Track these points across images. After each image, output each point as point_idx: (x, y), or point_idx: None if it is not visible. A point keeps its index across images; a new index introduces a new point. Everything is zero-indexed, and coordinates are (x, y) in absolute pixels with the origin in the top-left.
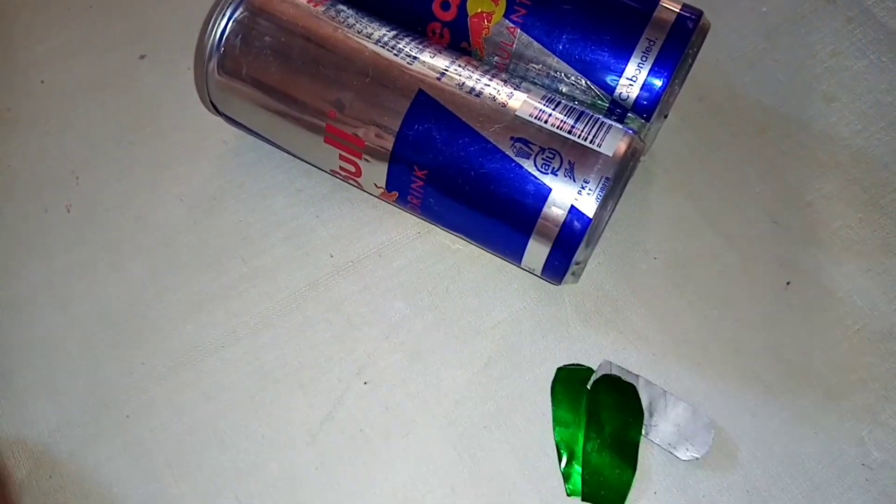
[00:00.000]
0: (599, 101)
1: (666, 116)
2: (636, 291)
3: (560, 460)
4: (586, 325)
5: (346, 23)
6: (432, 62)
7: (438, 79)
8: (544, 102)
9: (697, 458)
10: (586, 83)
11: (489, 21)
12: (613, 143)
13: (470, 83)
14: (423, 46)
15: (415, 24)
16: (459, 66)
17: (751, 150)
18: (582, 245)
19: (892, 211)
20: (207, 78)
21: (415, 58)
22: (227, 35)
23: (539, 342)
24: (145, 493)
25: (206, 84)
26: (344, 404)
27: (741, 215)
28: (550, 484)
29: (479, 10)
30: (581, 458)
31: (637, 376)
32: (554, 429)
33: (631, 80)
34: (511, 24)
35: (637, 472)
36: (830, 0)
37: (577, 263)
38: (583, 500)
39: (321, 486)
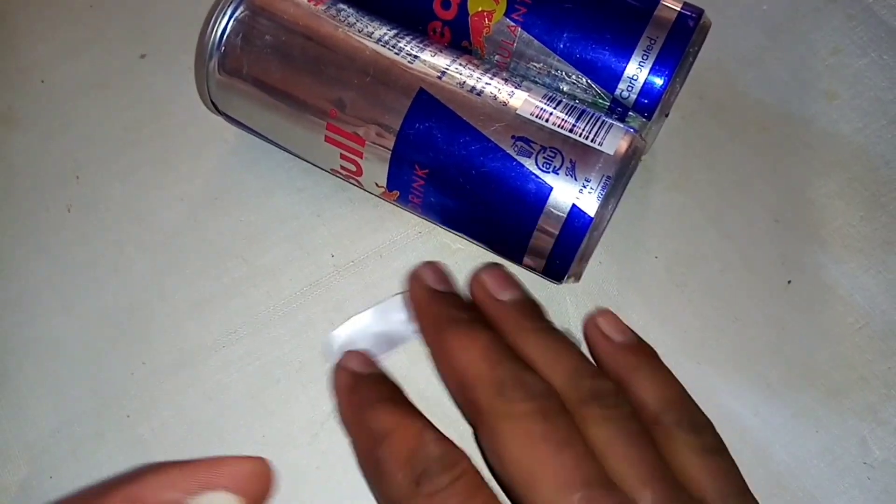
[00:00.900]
0: (600, 100)
1: (667, 115)
2: (637, 290)
3: None
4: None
5: (346, 22)
6: (433, 61)
7: (439, 77)
8: (545, 101)
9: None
10: (587, 82)
11: (490, 20)
12: (615, 141)
13: (471, 82)
14: (424, 45)
15: (415, 23)
16: (460, 64)
17: (752, 148)
18: (583, 244)
19: (893, 209)
20: (208, 77)
21: (416, 57)
22: (228, 34)
23: None
24: None
25: (206, 83)
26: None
27: (742, 214)
28: None
29: (480, 9)
30: None
31: None
32: None
33: (632, 78)
34: (512, 23)
35: None
36: None
37: (579, 263)
38: None
39: (322, 486)
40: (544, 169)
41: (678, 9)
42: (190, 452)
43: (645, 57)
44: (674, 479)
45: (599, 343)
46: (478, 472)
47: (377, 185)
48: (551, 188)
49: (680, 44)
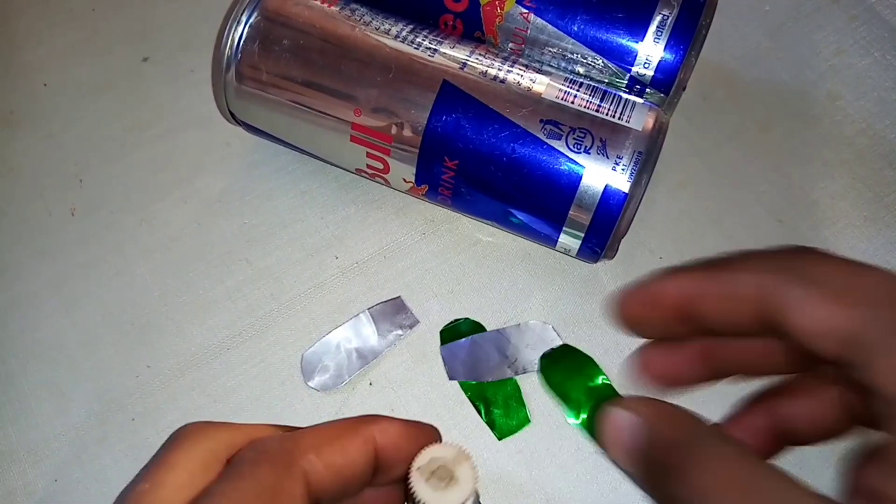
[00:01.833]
0: (617, 79)
1: (684, 89)
2: None
3: (480, 412)
4: (591, 325)
5: (362, 20)
6: (453, 53)
7: (461, 69)
8: (568, 84)
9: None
10: (603, 62)
11: (502, 8)
12: (641, 117)
13: (493, 71)
14: (442, 38)
15: (427, 18)
16: (480, 54)
17: (755, 148)
18: (619, 221)
19: None
20: (226, 87)
21: (435, 50)
22: (245, 41)
23: None
24: None
25: (224, 93)
26: (349, 405)
27: (746, 214)
28: (557, 485)
29: None
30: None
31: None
32: (462, 387)
33: (647, 56)
34: (524, 10)
35: None
36: None
37: (615, 241)
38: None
39: None
40: (575, 150)
41: None
42: None
43: (659, 33)
44: None
45: None
46: None
47: (405, 180)
48: (584, 168)
49: (693, 18)
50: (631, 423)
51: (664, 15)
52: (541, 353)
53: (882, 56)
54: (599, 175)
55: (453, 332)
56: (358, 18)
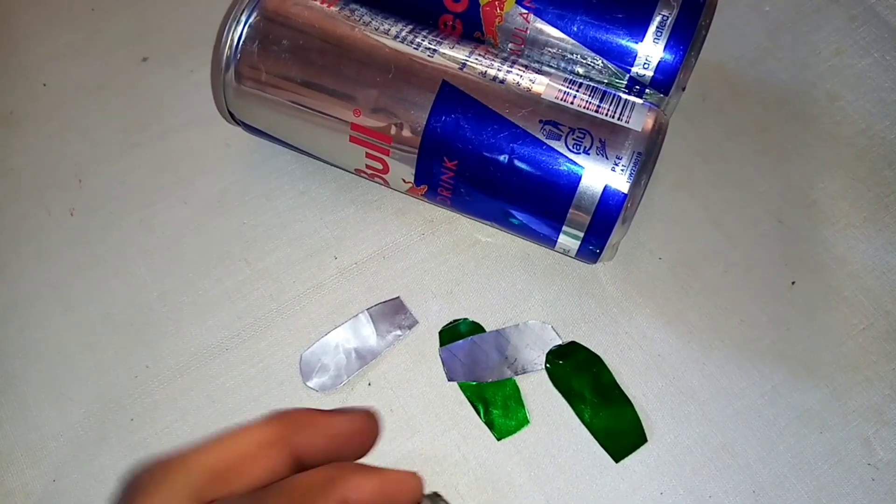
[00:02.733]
0: (616, 80)
1: (684, 89)
2: (641, 291)
3: (479, 413)
4: (591, 325)
5: (361, 21)
6: (452, 53)
7: (461, 69)
8: (568, 84)
9: (561, 340)
10: (603, 63)
11: (501, 9)
12: (641, 118)
13: (492, 71)
14: (441, 39)
15: (426, 18)
16: (479, 55)
17: (754, 149)
18: (618, 222)
19: None
20: (225, 87)
21: (434, 50)
22: (244, 41)
23: None
24: None
25: (223, 93)
26: (348, 406)
27: (745, 215)
28: (556, 485)
29: None
30: (588, 422)
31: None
32: (461, 387)
33: (647, 56)
34: (524, 10)
35: (643, 474)
36: None
37: (614, 242)
38: (616, 460)
39: None
40: (575, 150)
41: None
42: None
43: (658, 34)
44: None
45: None
46: None
47: (404, 181)
48: (583, 168)
49: (692, 18)
50: None
51: (664, 15)
52: (540, 354)
53: (881, 56)
54: (599, 175)
55: (452, 333)
56: (357, 18)
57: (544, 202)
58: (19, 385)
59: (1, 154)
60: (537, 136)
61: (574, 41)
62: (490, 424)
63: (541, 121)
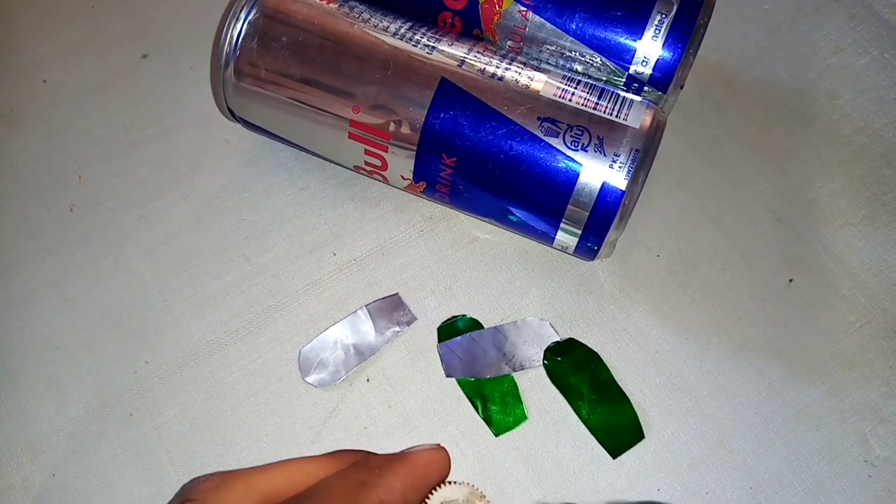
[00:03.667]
0: (615, 77)
1: (682, 87)
2: (639, 289)
3: (477, 409)
4: (589, 323)
5: (361, 18)
6: (451, 50)
7: (460, 66)
8: (566, 82)
9: (559, 337)
10: (601, 60)
11: (500, 6)
12: (639, 115)
13: (491, 69)
14: (440, 36)
15: (425, 15)
16: (478, 52)
17: (754, 147)
18: (616, 219)
19: (895, 208)
20: (224, 83)
21: (433, 47)
22: (243, 38)
23: None
24: (149, 491)
25: (223, 90)
26: (347, 402)
27: (744, 213)
28: (553, 481)
29: None
30: (585, 418)
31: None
32: (459, 384)
33: (645, 53)
34: (523, 7)
35: (640, 470)
36: None
37: (612, 239)
38: (614, 456)
39: None
40: (573, 147)
41: None
42: (192, 451)
43: (657, 32)
44: None
45: None
46: None
47: (403, 177)
48: (581, 166)
49: (691, 16)
50: None
51: (662, 13)
52: (538, 350)
53: (881, 55)
54: (597, 173)
55: (451, 329)
56: (356, 15)
57: (542, 199)
58: (19, 380)
59: (1, 151)
60: (536, 133)
61: (573, 39)
62: (488, 420)
63: (539, 118)
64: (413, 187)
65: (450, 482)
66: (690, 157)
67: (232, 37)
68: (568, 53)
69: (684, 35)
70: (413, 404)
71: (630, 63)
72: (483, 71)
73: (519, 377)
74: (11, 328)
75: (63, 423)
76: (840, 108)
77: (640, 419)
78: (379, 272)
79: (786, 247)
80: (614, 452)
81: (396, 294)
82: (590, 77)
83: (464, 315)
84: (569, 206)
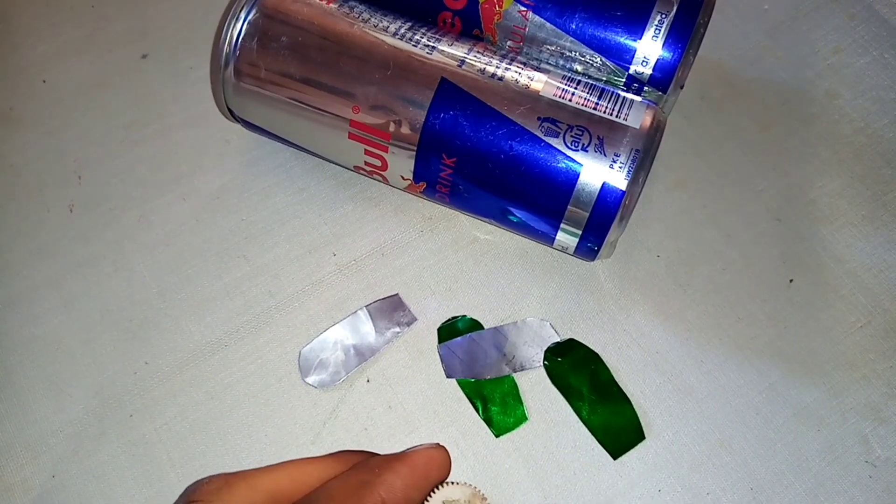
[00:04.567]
0: (615, 77)
1: (682, 87)
2: (639, 289)
3: (477, 410)
4: (589, 323)
5: (361, 18)
6: (451, 50)
7: (460, 66)
8: (566, 82)
9: (559, 338)
10: (601, 60)
11: (500, 6)
12: (639, 116)
13: (490, 69)
14: (440, 36)
15: (425, 15)
16: (478, 52)
17: (753, 147)
18: (616, 219)
19: (895, 208)
20: (224, 84)
21: (433, 47)
22: (243, 38)
23: None
24: (149, 492)
25: (223, 90)
26: (347, 403)
27: (744, 213)
28: (554, 482)
29: None
30: (586, 419)
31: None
32: (460, 384)
33: (646, 53)
34: (523, 8)
35: (641, 471)
36: None
37: (612, 239)
38: (614, 457)
39: None
40: (573, 147)
41: None
42: (193, 452)
43: (657, 32)
44: None
45: None
46: None
47: (403, 178)
48: (581, 166)
49: (691, 16)
50: None
51: (662, 13)
52: (539, 351)
53: (880, 55)
54: (597, 173)
55: (451, 330)
56: (356, 15)
57: (542, 199)
58: (19, 381)
59: (0, 151)
60: (536, 133)
61: (573, 39)
62: (488, 421)
63: (539, 118)
64: (413, 187)
65: (451, 482)
66: (690, 158)
67: (232, 37)
68: (568, 53)
69: (684, 35)
70: (413, 405)
71: (630, 63)
72: (483, 71)
73: (519, 378)
74: (11, 328)
75: (63, 424)
76: (840, 108)
77: (641, 420)
78: (379, 273)
79: (786, 247)
80: (615, 453)
81: (396, 295)
82: (590, 77)
83: (464, 316)
84: (569, 207)
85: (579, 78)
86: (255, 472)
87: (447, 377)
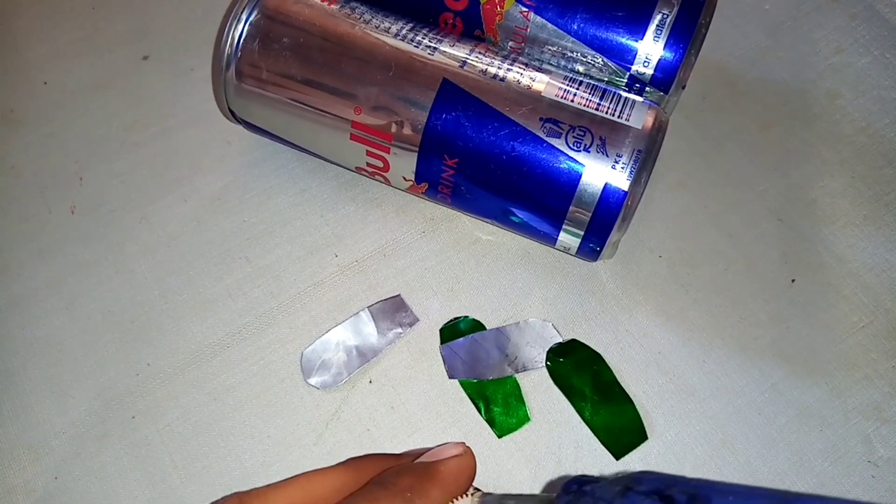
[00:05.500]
0: (616, 78)
1: (684, 87)
2: (641, 289)
3: (480, 410)
4: (591, 323)
5: (362, 19)
6: (453, 51)
7: (461, 67)
8: (568, 82)
9: (561, 338)
10: (603, 61)
11: (502, 7)
12: (641, 116)
13: (492, 69)
14: (441, 37)
15: (427, 16)
16: (480, 53)
17: (755, 147)
18: (618, 220)
19: None
20: (226, 85)
21: (435, 48)
22: (244, 40)
23: None
24: (151, 494)
25: (224, 91)
26: (349, 404)
27: (745, 213)
28: (556, 482)
29: None
30: (588, 419)
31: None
32: (462, 385)
33: (647, 54)
34: (524, 8)
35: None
36: None
37: (614, 239)
38: (617, 457)
39: None
40: (575, 148)
41: None
42: (195, 453)
43: (658, 32)
44: None
45: None
46: None
47: (405, 179)
48: (583, 166)
49: (692, 17)
50: None
51: (664, 14)
52: (541, 351)
53: (881, 54)
54: (599, 173)
55: (453, 331)
56: (358, 16)
57: (544, 200)
58: (21, 383)
59: (1, 152)
60: (538, 133)
61: (574, 39)
62: (491, 422)
63: (541, 119)
64: (415, 188)
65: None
66: (692, 158)
67: (233, 38)
68: (569, 54)
69: (686, 35)
70: (415, 406)
71: (632, 63)
72: (485, 72)
73: (522, 378)
74: (12, 330)
75: (65, 426)
76: (841, 108)
77: (644, 420)
78: (381, 273)
79: (787, 247)
80: (618, 454)
81: (398, 295)
82: (591, 78)
83: (466, 316)
84: (571, 208)
85: (581, 78)
86: (267, 488)
87: (449, 378)
